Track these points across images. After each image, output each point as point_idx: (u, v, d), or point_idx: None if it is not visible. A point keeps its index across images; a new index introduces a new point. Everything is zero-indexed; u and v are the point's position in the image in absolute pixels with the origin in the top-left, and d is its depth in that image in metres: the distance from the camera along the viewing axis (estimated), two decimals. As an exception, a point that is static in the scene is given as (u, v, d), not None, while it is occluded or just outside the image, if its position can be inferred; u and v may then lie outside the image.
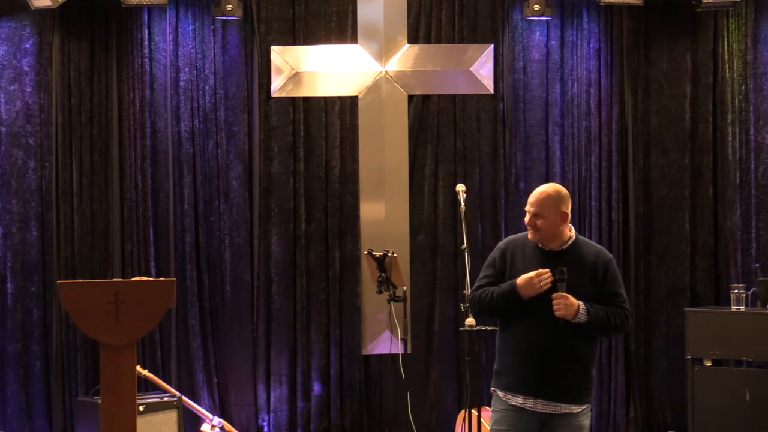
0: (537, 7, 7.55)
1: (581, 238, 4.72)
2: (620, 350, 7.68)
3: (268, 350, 7.74)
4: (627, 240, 7.81)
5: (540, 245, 4.63)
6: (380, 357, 7.61)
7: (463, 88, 7.82)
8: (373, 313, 7.72)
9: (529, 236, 4.64)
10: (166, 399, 6.89)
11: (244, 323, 7.76)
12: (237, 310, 7.76)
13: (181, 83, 7.75)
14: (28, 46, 7.65)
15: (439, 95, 7.84)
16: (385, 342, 7.50)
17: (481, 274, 4.75)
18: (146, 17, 7.68)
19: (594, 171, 7.73)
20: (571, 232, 4.66)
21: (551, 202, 4.59)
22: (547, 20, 7.76)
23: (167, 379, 7.38)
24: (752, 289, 7.09)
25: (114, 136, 7.73)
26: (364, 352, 7.74)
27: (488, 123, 7.82)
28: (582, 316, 4.49)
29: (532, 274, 4.49)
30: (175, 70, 7.75)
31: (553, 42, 7.85)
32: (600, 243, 7.65)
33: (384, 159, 7.80)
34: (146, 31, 7.68)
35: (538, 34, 7.85)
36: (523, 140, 7.84)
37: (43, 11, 7.46)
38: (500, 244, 4.78)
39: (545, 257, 4.59)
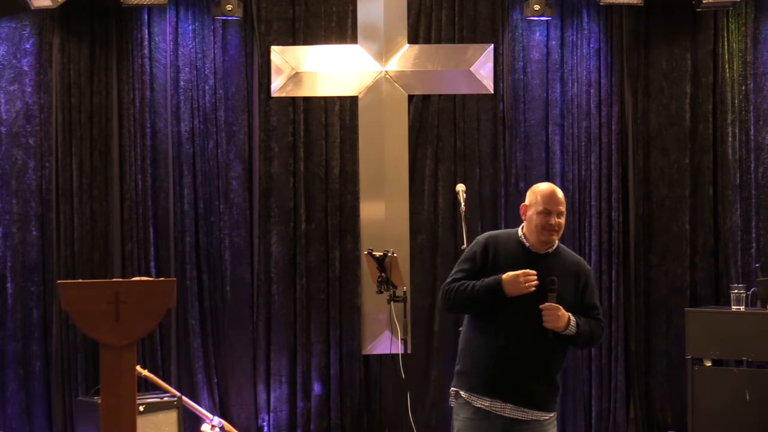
0: (537, 7, 7.56)
1: (560, 244, 4.61)
2: (620, 350, 7.68)
3: (268, 350, 7.74)
4: (627, 240, 7.81)
5: (527, 245, 4.51)
6: (380, 357, 7.61)
7: (463, 88, 7.82)
8: (373, 313, 7.72)
9: (550, 238, 4.47)
10: (166, 399, 6.89)
11: (244, 323, 7.76)
12: (237, 310, 7.77)
13: (181, 83, 7.75)
14: (28, 46, 7.65)
15: (439, 95, 7.84)
16: (385, 342, 7.51)
17: (458, 267, 4.55)
18: (146, 17, 7.68)
19: (594, 171, 7.73)
20: None
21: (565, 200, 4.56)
22: (547, 20, 7.76)
23: (167, 379, 7.38)
24: (752, 289, 7.09)
25: (114, 136, 7.73)
26: (364, 352, 7.74)
27: (488, 123, 7.82)
28: (572, 329, 4.39)
29: (519, 272, 4.35)
30: (175, 70, 7.75)
31: (553, 42, 7.85)
32: (600, 243, 7.69)
33: (384, 159, 7.80)
34: (146, 31, 7.68)
35: (538, 34, 7.85)
36: (523, 140, 7.84)
37: (43, 11, 7.46)
38: (480, 239, 4.60)
39: (531, 258, 4.47)
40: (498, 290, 4.37)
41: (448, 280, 4.56)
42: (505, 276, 4.36)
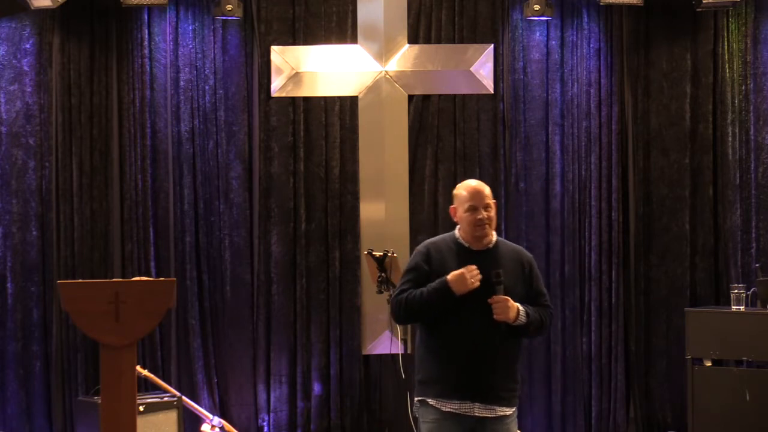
0: (537, 7, 7.56)
1: (500, 237, 4.65)
2: (620, 350, 7.68)
3: (268, 350, 7.74)
4: (627, 240, 7.81)
5: (466, 245, 4.55)
6: (380, 357, 7.62)
7: (463, 88, 7.82)
8: (373, 313, 7.72)
9: (483, 232, 4.51)
10: (166, 399, 6.89)
11: (244, 323, 7.76)
12: (237, 310, 7.77)
13: (181, 83, 7.75)
14: (28, 46, 7.65)
15: (439, 95, 7.84)
16: (385, 342, 7.51)
17: (403, 279, 4.57)
18: (146, 17, 7.68)
19: (594, 171, 7.73)
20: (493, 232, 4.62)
21: (491, 193, 4.58)
22: (547, 20, 7.76)
23: (167, 379, 7.38)
24: (752, 289, 7.09)
25: (114, 136, 7.73)
26: (364, 352, 7.74)
27: (488, 123, 7.82)
28: (522, 318, 4.43)
29: (462, 270, 4.39)
30: (175, 70, 7.75)
31: (553, 42, 7.85)
32: (600, 243, 7.68)
33: (384, 159, 7.80)
34: (146, 31, 7.68)
35: (538, 34, 7.85)
36: (523, 140, 7.84)
37: (43, 11, 7.46)
38: (420, 248, 4.63)
39: (472, 257, 4.50)
40: (446, 291, 4.41)
41: (396, 292, 4.59)
42: (449, 276, 4.41)
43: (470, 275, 4.39)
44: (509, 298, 4.41)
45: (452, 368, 4.47)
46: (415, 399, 4.59)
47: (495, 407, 4.48)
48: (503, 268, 4.47)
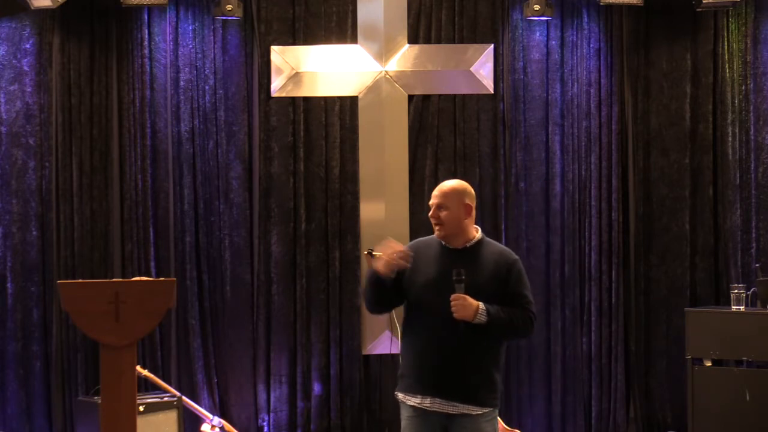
0: (537, 7, 7.56)
1: (488, 239, 4.64)
2: (620, 350, 7.68)
3: (268, 350, 7.74)
4: (627, 240, 7.81)
5: (444, 243, 4.57)
6: (380, 357, 7.62)
7: (463, 88, 7.82)
8: (373, 313, 7.71)
9: (435, 232, 4.57)
10: (166, 399, 6.89)
11: (244, 323, 7.76)
12: (237, 310, 7.77)
13: (181, 83, 7.76)
14: (28, 46, 7.65)
15: (439, 95, 7.84)
16: (385, 342, 7.51)
17: None
18: (146, 17, 7.68)
19: (594, 171, 7.74)
20: (476, 232, 4.60)
21: (455, 193, 4.55)
22: (547, 20, 7.76)
23: (167, 379, 7.38)
24: (752, 289, 7.09)
25: (114, 136, 7.73)
26: (364, 352, 7.74)
27: (488, 123, 7.82)
28: (481, 317, 4.39)
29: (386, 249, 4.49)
30: (175, 70, 7.75)
31: (553, 42, 7.85)
32: (600, 243, 7.68)
33: (384, 159, 7.80)
34: (146, 31, 7.68)
35: (538, 34, 7.85)
36: (523, 140, 7.84)
37: (43, 11, 7.47)
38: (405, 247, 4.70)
39: (448, 255, 4.53)
40: (373, 272, 4.52)
41: None
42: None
43: (388, 253, 4.44)
44: (467, 297, 4.39)
45: (415, 363, 4.53)
46: (395, 393, 4.67)
47: (457, 404, 4.45)
48: (477, 268, 4.48)
